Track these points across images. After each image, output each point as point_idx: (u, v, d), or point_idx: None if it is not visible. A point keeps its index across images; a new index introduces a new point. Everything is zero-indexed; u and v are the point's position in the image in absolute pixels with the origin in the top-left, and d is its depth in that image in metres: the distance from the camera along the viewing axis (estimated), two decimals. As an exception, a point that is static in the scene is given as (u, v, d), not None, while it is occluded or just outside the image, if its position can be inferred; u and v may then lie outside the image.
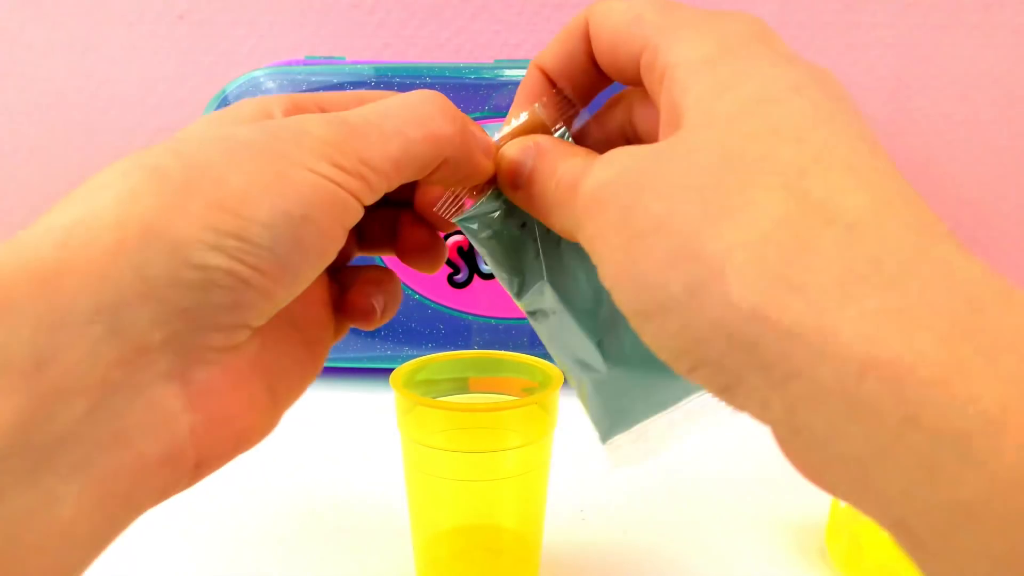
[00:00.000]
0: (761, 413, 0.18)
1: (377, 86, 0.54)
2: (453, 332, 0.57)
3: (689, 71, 0.21)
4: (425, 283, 0.57)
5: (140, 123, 0.74)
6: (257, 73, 0.55)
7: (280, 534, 0.41)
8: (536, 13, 0.73)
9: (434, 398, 0.36)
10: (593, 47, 0.25)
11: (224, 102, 0.55)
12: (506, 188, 0.25)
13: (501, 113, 0.55)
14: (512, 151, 0.25)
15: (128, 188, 0.20)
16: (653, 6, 0.23)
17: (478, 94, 0.55)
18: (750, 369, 0.18)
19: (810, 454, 0.18)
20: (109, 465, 0.19)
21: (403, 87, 0.54)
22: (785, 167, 0.19)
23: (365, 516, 0.42)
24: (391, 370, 0.35)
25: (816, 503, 0.43)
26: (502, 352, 0.37)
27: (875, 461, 0.16)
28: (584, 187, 0.22)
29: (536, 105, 0.26)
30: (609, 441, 0.25)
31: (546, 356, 0.36)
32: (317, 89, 0.54)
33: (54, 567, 0.19)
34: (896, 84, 0.74)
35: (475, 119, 0.55)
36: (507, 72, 0.55)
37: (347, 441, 0.51)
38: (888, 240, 0.18)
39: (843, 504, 0.40)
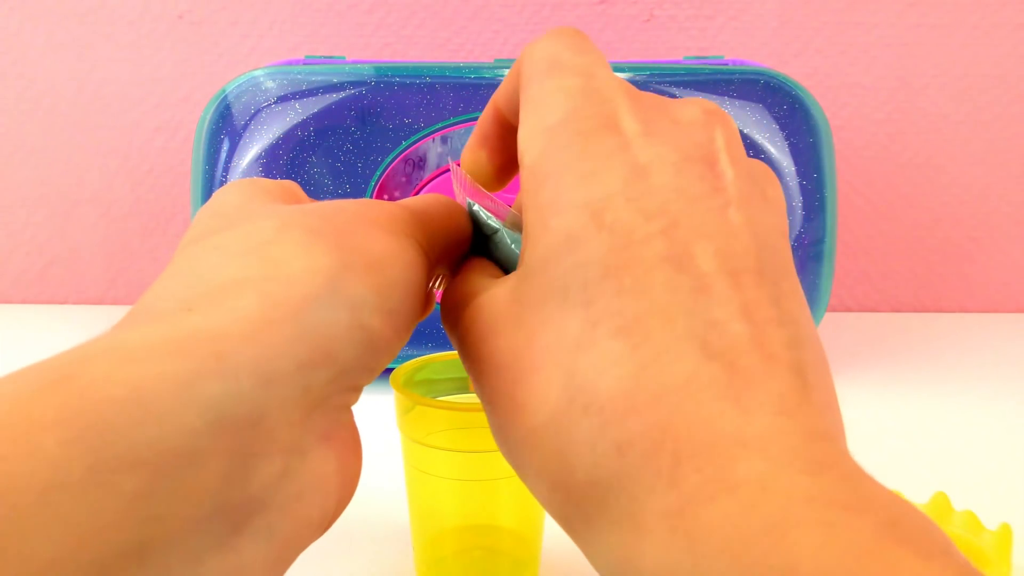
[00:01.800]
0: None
1: (377, 86, 0.54)
2: (453, 332, 0.57)
3: (524, 184, 0.21)
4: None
5: (140, 123, 0.74)
6: (257, 73, 0.55)
7: (280, 534, 0.41)
8: (536, 13, 0.73)
9: (434, 398, 0.36)
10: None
11: (224, 102, 0.55)
12: None
13: (501, 113, 0.55)
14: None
15: (302, 243, 0.20)
16: (531, 69, 0.23)
17: (478, 94, 0.55)
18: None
19: None
20: (288, 530, 0.19)
21: (403, 87, 0.54)
22: (566, 346, 0.19)
23: (365, 516, 0.42)
24: (391, 370, 0.35)
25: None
26: None
27: None
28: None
29: (467, 201, 0.26)
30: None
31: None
32: (317, 89, 0.54)
33: None
34: (896, 84, 0.74)
35: (475, 119, 0.55)
36: (507, 72, 0.55)
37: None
38: (634, 424, 0.17)
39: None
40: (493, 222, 0.25)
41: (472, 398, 0.37)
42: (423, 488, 0.34)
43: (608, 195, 0.19)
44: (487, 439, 0.33)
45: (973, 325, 0.74)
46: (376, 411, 0.55)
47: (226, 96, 0.55)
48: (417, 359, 0.36)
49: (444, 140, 0.55)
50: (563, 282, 0.19)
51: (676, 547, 0.16)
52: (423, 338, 0.57)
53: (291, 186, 0.25)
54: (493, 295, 0.22)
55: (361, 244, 0.21)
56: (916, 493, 0.40)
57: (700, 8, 0.73)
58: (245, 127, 0.55)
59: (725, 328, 0.18)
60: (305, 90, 0.54)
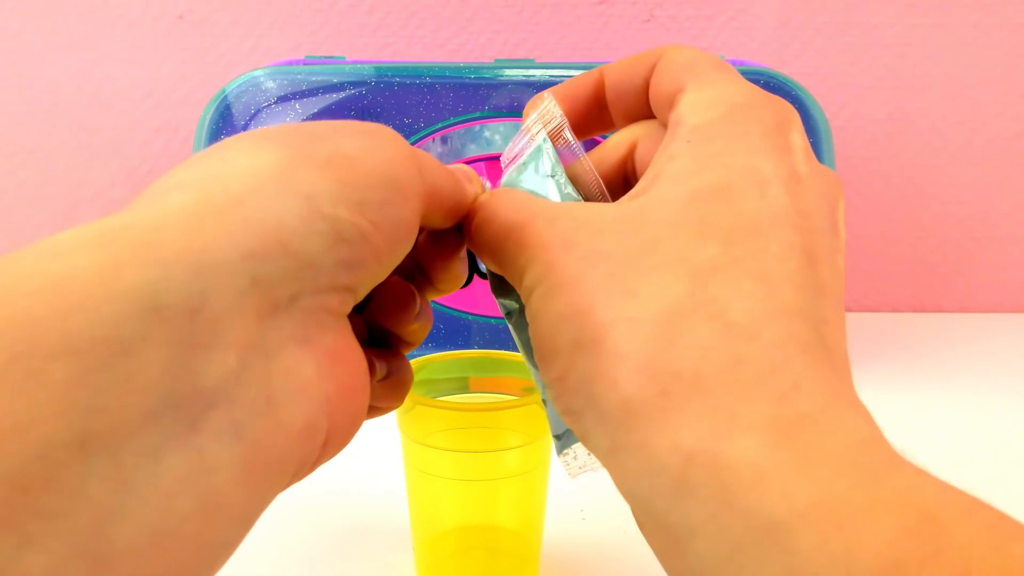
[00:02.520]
0: (609, 469, 0.20)
1: (377, 86, 0.54)
2: (453, 332, 0.57)
3: (683, 137, 0.23)
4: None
5: (140, 123, 0.74)
6: (257, 73, 0.55)
7: (280, 534, 0.41)
8: (536, 13, 0.73)
9: (434, 398, 0.36)
10: (652, 76, 0.26)
11: (224, 102, 0.55)
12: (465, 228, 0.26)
13: (500, 113, 0.55)
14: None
15: (250, 146, 0.20)
16: (706, 61, 0.25)
17: (478, 94, 0.55)
18: (600, 432, 0.20)
19: (639, 516, 0.20)
20: (258, 431, 0.18)
21: (403, 87, 0.54)
22: (699, 263, 0.20)
23: (365, 516, 0.42)
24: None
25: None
26: (502, 352, 0.37)
27: (689, 538, 0.18)
28: (528, 229, 0.23)
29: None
30: (564, 452, 0.26)
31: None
32: (317, 89, 0.54)
33: (210, 545, 0.17)
34: (896, 84, 0.74)
35: (475, 119, 0.55)
36: (507, 72, 0.55)
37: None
38: (753, 350, 0.19)
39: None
40: (558, 167, 0.26)
41: (472, 398, 0.37)
42: (423, 488, 0.34)
43: (773, 175, 0.21)
44: (487, 439, 0.33)
45: (973, 325, 0.74)
46: (376, 411, 0.55)
47: (226, 96, 0.55)
48: (417, 359, 0.36)
49: (444, 140, 0.55)
50: (707, 218, 0.21)
51: (784, 448, 0.17)
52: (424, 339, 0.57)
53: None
54: (590, 209, 0.23)
55: (325, 143, 0.21)
56: (916, 493, 0.40)
57: (700, 8, 0.73)
58: (245, 127, 0.55)
59: (832, 329, 0.21)
60: (305, 90, 0.55)
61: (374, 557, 0.39)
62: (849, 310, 0.79)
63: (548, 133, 0.27)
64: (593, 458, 0.25)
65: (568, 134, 0.27)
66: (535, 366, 0.25)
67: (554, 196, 0.25)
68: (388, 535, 0.40)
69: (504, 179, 0.27)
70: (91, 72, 0.73)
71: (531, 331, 0.22)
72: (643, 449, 0.19)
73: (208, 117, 0.55)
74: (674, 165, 0.22)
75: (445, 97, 0.55)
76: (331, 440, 0.20)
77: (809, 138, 0.57)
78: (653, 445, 0.19)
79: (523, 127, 0.28)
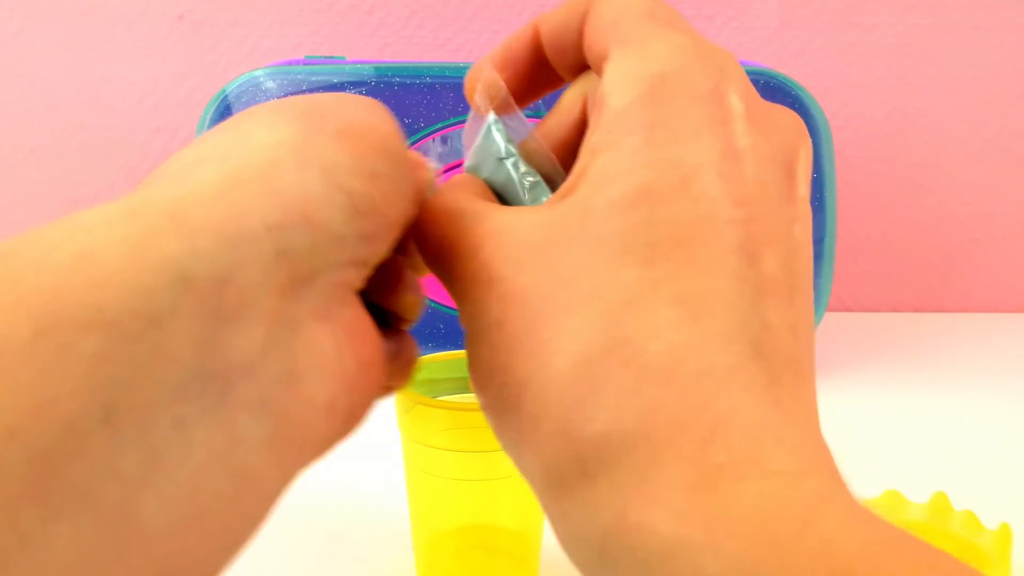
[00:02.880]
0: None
1: (377, 86, 0.54)
2: (453, 332, 0.57)
3: (604, 127, 0.20)
4: (425, 282, 0.57)
5: (140, 123, 0.74)
6: (257, 73, 0.55)
7: (280, 534, 0.41)
8: (536, 13, 0.73)
9: (434, 398, 0.36)
10: (583, 32, 0.23)
11: (224, 102, 0.55)
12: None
13: (501, 113, 0.55)
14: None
15: (265, 120, 0.20)
16: (633, 11, 0.22)
17: (478, 94, 0.55)
18: (535, 490, 0.19)
19: None
20: (284, 405, 0.17)
21: (403, 87, 0.54)
22: (615, 296, 0.18)
23: (365, 516, 0.42)
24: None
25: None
26: None
27: None
28: (458, 260, 0.21)
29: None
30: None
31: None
32: (317, 89, 0.54)
33: (239, 520, 0.17)
34: (896, 84, 0.74)
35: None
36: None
37: (347, 441, 0.51)
38: (668, 397, 0.17)
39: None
40: (511, 147, 0.24)
41: (472, 398, 0.37)
42: (423, 488, 0.34)
43: (700, 164, 0.19)
44: (487, 439, 0.33)
45: (973, 325, 0.74)
46: (376, 411, 0.55)
47: (226, 96, 0.55)
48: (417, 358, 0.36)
49: (444, 140, 0.55)
50: (625, 234, 0.19)
51: (693, 518, 0.16)
52: (423, 338, 0.57)
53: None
54: (517, 223, 0.20)
55: (333, 115, 0.20)
56: (916, 493, 0.40)
57: (700, 8, 0.73)
58: (245, 127, 0.55)
59: (776, 335, 0.18)
60: (305, 90, 0.54)
61: (374, 557, 0.39)
62: (849, 310, 0.79)
63: (494, 108, 0.25)
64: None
65: (514, 105, 0.25)
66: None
67: (511, 185, 0.24)
68: (388, 535, 0.40)
69: (466, 163, 0.25)
70: (91, 72, 0.73)
71: (470, 375, 0.21)
72: (567, 518, 0.18)
73: (208, 117, 0.55)
74: (597, 164, 0.20)
75: (445, 97, 0.55)
76: (351, 416, 0.20)
77: (809, 138, 0.57)
78: (575, 516, 0.18)
79: (472, 105, 0.26)
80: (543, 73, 0.25)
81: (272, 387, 0.17)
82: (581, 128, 0.24)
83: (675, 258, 0.18)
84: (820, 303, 0.58)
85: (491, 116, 0.25)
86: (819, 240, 0.57)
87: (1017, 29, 0.73)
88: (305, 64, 0.56)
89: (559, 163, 0.24)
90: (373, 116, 0.21)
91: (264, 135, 0.19)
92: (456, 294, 0.22)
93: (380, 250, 0.20)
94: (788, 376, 0.18)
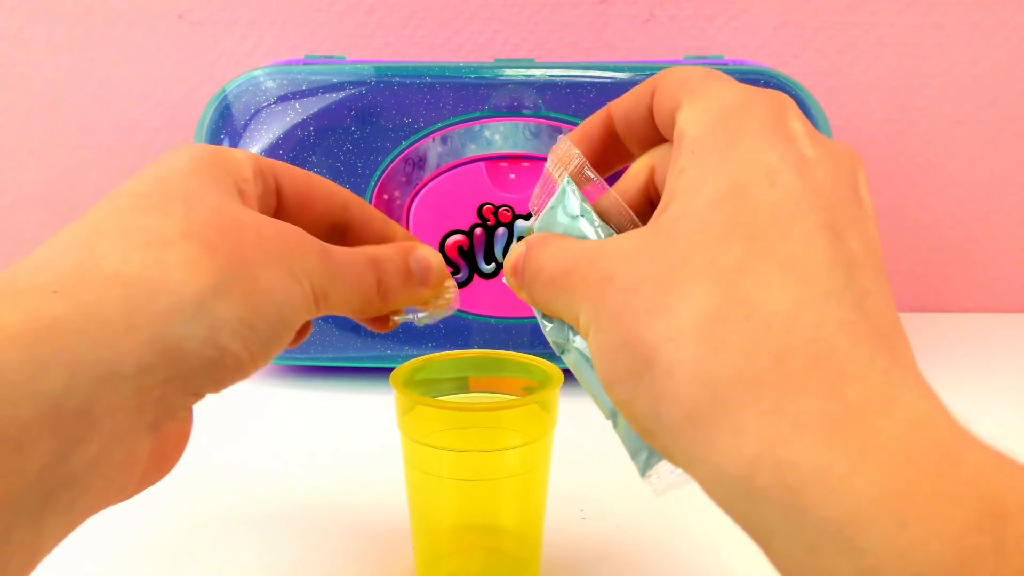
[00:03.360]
0: (694, 479, 0.22)
1: (377, 86, 0.54)
2: (453, 332, 0.57)
3: (688, 149, 0.24)
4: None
5: (140, 123, 0.74)
6: (257, 73, 0.55)
7: (280, 534, 0.41)
8: (536, 13, 0.73)
9: (434, 398, 0.36)
10: (653, 102, 0.27)
11: (224, 102, 0.55)
12: (508, 279, 0.29)
13: (500, 112, 0.55)
14: (510, 254, 0.28)
15: (190, 257, 0.22)
16: (698, 74, 0.26)
17: (478, 94, 0.55)
18: (675, 448, 0.21)
19: (729, 515, 0.21)
20: (90, 502, 0.21)
21: (403, 87, 0.54)
22: (727, 266, 0.21)
23: (365, 516, 0.42)
24: (391, 370, 0.35)
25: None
26: (502, 352, 0.37)
27: (770, 538, 0.19)
28: (575, 275, 0.25)
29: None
30: (647, 473, 0.26)
31: (548, 356, 0.36)
32: (317, 89, 0.54)
33: None
34: (896, 84, 0.74)
35: (475, 119, 0.55)
36: (507, 72, 0.55)
37: (347, 441, 0.51)
38: (794, 343, 0.19)
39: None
40: (585, 205, 0.27)
41: (472, 398, 0.37)
42: (423, 488, 0.34)
43: (781, 167, 0.22)
44: (487, 439, 0.33)
45: (973, 325, 0.74)
46: (376, 411, 0.55)
47: (226, 96, 0.55)
48: (417, 359, 0.36)
49: (444, 140, 0.55)
50: (726, 219, 0.21)
51: (841, 446, 0.18)
52: (423, 338, 0.57)
53: (251, 167, 0.28)
54: (621, 238, 0.24)
55: (250, 271, 0.23)
56: (916, 493, 0.40)
57: (700, 8, 0.73)
58: (245, 127, 0.55)
59: (875, 300, 0.21)
60: (305, 90, 0.55)
61: (374, 557, 0.39)
62: (849, 310, 0.79)
63: (570, 174, 0.28)
64: (677, 473, 0.25)
65: (589, 172, 0.28)
66: (603, 394, 0.26)
67: (590, 234, 0.27)
68: (388, 535, 0.40)
69: (536, 223, 0.28)
70: (91, 72, 0.73)
71: (595, 365, 0.23)
72: (711, 458, 0.20)
73: (208, 117, 0.55)
74: (685, 178, 0.23)
75: (445, 97, 0.55)
76: (142, 486, 0.24)
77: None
78: (719, 454, 0.19)
79: (545, 172, 0.29)
80: (615, 149, 0.29)
81: (84, 491, 0.20)
82: (647, 194, 0.28)
83: (772, 235, 0.21)
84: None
85: (566, 179, 0.28)
86: (819, 240, 0.56)
87: (1017, 29, 0.73)
88: (305, 64, 0.56)
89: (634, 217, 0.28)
90: (287, 279, 0.25)
91: (179, 275, 0.22)
92: (573, 302, 0.24)
93: (226, 386, 0.24)
94: (893, 335, 0.20)
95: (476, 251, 0.56)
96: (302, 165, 0.54)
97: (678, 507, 0.43)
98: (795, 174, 0.22)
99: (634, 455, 0.26)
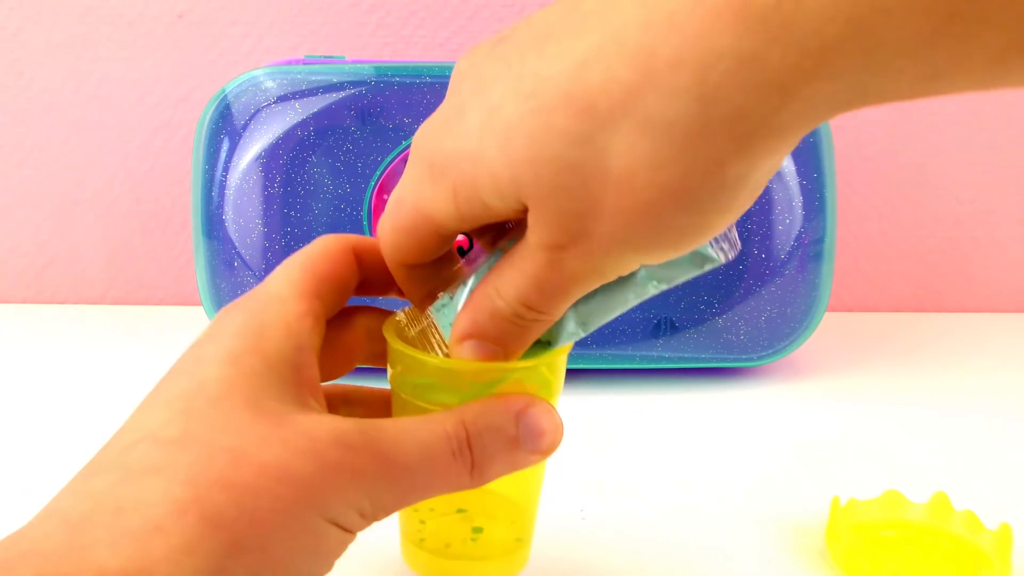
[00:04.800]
0: None
1: (377, 86, 0.54)
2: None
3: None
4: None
5: (140, 123, 0.74)
6: (257, 72, 0.55)
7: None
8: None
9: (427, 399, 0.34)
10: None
11: (224, 101, 0.55)
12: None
13: (501, 113, 0.55)
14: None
15: (184, 543, 0.21)
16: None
17: (478, 94, 0.55)
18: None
19: None
20: None
21: (403, 87, 0.54)
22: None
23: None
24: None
25: (816, 503, 0.43)
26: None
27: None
28: None
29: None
30: (715, 254, 0.26)
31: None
32: (317, 89, 0.54)
33: None
34: (896, 84, 0.74)
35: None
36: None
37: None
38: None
39: (843, 504, 0.40)
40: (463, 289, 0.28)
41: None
42: None
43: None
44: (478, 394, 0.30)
45: (973, 325, 0.74)
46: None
47: (226, 96, 0.55)
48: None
49: (444, 140, 0.55)
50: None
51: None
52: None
53: (309, 312, 0.27)
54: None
55: (262, 539, 0.22)
56: (916, 493, 0.40)
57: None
58: (245, 127, 0.55)
59: None
60: (305, 90, 0.54)
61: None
62: (849, 310, 0.79)
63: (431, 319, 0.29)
64: (728, 239, 0.26)
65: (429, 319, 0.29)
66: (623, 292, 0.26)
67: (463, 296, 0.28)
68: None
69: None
70: (91, 72, 0.73)
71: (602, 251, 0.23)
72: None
73: (208, 117, 0.55)
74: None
75: (445, 97, 0.55)
76: None
77: (809, 138, 0.56)
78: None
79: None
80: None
81: None
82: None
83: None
84: (820, 303, 0.58)
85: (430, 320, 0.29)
86: (819, 240, 0.57)
87: (1017, 29, 0.73)
88: (305, 63, 0.56)
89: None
90: (298, 540, 0.22)
91: (165, 570, 0.20)
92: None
93: None
94: None
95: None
96: (302, 165, 0.54)
97: (678, 507, 0.43)
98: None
99: (698, 262, 0.26)
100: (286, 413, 0.24)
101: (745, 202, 0.22)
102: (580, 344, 0.56)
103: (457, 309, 0.28)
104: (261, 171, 0.54)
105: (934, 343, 0.69)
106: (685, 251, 0.24)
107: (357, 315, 0.31)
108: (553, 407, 0.27)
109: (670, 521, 0.42)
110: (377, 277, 0.30)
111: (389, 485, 0.24)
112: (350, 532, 0.24)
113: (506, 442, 0.26)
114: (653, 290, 0.27)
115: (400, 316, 0.30)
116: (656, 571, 0.38)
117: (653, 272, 0.26)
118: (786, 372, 0.61)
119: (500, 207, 0.23)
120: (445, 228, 0.26)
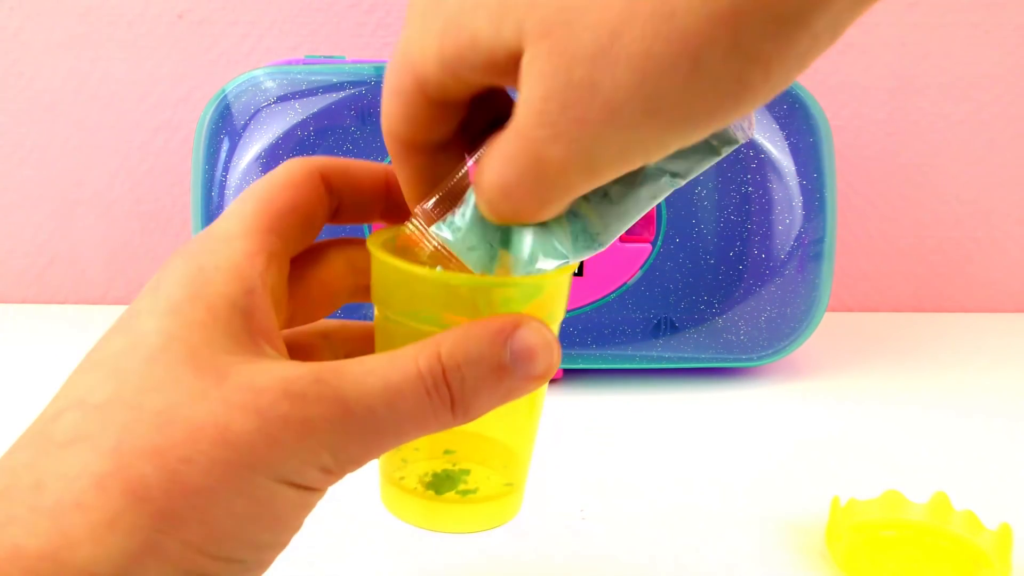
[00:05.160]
0: None
1: (377, 86, 0.54)
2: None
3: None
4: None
5: (140, 123, 0.74)
6: (257, 72, 0.55)
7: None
8: (536, 13, 0.73)
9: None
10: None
11: (224, 101, 0.55)
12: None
13: (501, 113, 0.55)
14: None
15: (106, 518, 0.19)
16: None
17: (478, 94, 0.55)
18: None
19: None
20: None
21: (403, 87, 0.55)
22: None
23: (358, 515, 0.42)
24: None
25: (816, 503, 0.43)
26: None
27: None
28: None
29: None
30: (736, 134, 0.23)
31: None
32: (317, 89, 0.54)
33: None
34: (896, 84, 0.74)
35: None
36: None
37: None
38: None
39: (843, 504, 0.40)
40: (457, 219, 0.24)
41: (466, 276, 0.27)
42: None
43: None
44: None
45: (973, 325, 0.74)
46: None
47: (226, 96, 0.55)
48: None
49: (444, 140, 0.55)
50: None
51: None
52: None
53: (257, 263, 0.23)
54: None
55: (200, 507, 0.20)
56: (916, 493, 0.40)
57: None
58: (245, 127, 0.55)
59: None
60: (305, 90, 0.54)
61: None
62: (849, 310, 0.79)
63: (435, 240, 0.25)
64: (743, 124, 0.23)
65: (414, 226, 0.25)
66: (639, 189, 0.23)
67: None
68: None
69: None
70: (91, 72, 0.73)
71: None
72: None
73: (208, 117, 0.55)
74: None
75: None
76: None
77: (809, 138, 0.57)
78: None
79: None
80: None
81: None
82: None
83: None
84: (820, 303, 0.58)
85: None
86: (819, 240, 0.57)
87: (1017, 29, 0.73)
88: (305, 63, 0.56)
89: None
90: (246, 507, 0.20)
91: (86, 549, 0.19)
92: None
93: None
94: None
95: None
96: (302, 165, 0.54)
97: (678, 507, 0.43)
98: None
99: (720, 142, 0.23)
100: (232, 364, 0.21)
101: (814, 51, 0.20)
102: (580, 344, 0.56)
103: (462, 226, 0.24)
104: (261, 171, 0.54)
105: (934, 343, 0.69)
106: (705, 130, 0.20)
107: (334, 248, 0.28)
108: (544, 324, 0.23)
109: (670, 521, 0.42)
110: (354, 200, 0.27)
111: (353, 435, 0.21)
112: (314, 490, 0.22)
113: (491, 371, 0.22)
114: (668, 187, 0.24)
115: (409, 227, 0.26)
116: (656, 571, 0.38)
117: (664, 164, 0.23)
118: (786, 372, 0.61)
119: (490, 39, 0.20)
120: (429, 82, 0.22)
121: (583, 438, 0.50)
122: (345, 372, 0.22)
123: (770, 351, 0.58)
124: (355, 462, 0.22)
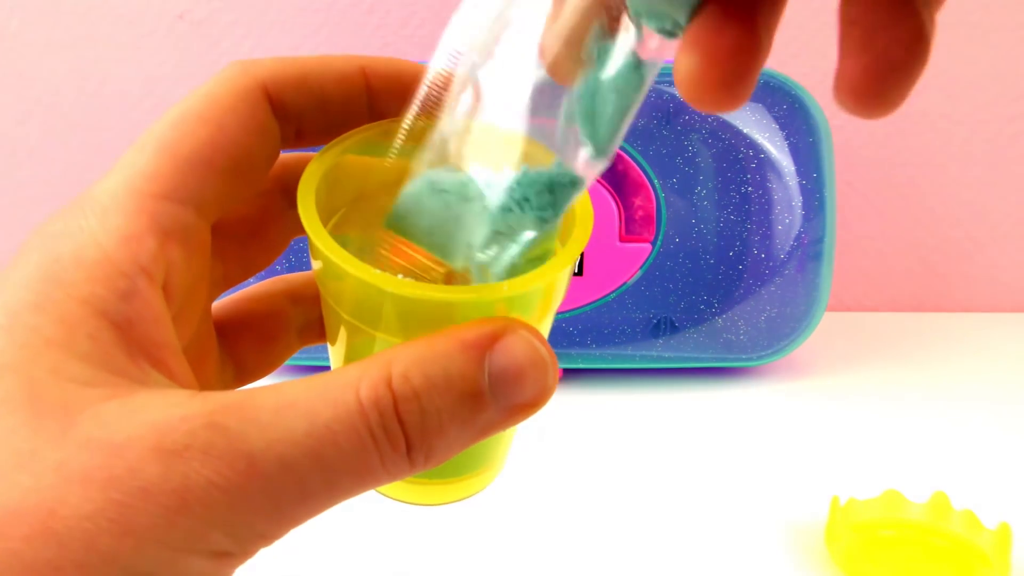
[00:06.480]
0: None
1: (377, 86, 0.54)
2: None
3: None
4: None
5: (140, 123, 0.74)
6: (257, 73, 0.55)
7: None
8: (536, 13, 0.73)
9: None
10: None
11: (224, 102, 0.55)
12: None
13: (501, 113, 0.55)
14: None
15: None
16: None
17: (478, 94, 0.55)
18: None
19: None
20: None
21: (403, 87, 0.54)
22: None
23: (358, 513, 0.42)
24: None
25: (816, 503, 0.43)
26: None
27: None
28: None
29: None
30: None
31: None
32: (317, 89, 0.54)
33: None
34: (896, 84, 0.74)
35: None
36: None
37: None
38: None
39: (843, 504, 0.40)
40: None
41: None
42: (351, 345, 0.21)
43: None
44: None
45: (973, 325, 0.74)
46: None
47: (226, 96, 0.55)
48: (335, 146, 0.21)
49: (444, 140, 0.55)
50: None
51: None
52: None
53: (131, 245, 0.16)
54: None
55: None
56: (916, 493, 0.40)
57: (700, 8, 0.73)
58: (245, 127, 0.54)
59: None
60: (305, 90, 0.54)
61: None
62: (849, 310, 0.79)
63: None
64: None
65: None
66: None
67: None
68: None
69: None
70: (91, 72, 0.73)
71: None
72: None
73: (208, 117, 0.55)
74: None
75: (445, 97, 0.55)
76: None
77: (809, 138, 0.57)
78: None
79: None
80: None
81: None
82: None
83: None
84: (820, 303, 0.58)
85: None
86: (819, 240, 0.57)
87: (1017, 29, 0.73)
88: (305, 64, 0.56)
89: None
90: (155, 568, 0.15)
91: None
92: None
93: None
94: None
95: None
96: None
97: (678, 507, 0.43)
98: None
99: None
100: (86, 404, 0.15)
101: None
102: (580, 344, 0.56)
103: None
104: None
105: (934, 343, 0.69)
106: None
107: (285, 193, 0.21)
108: (535, 331, 0.17)
109: (670, 521, 0.42)
110: (320, 116, 0.20)
111: (259, 504, 0.15)
112: (226, 558, 0.15)
113: (462, 400, 0.16)
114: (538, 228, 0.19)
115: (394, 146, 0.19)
116: (657, 571, 0.38)
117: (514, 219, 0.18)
118: (786, 372, 0.61)
119: None
120: None
121: (583, 438, 0.50)
122: (254, 408, 0.15)
123: (770, 351, 0.58)
124: (267, 537, 0.16)
